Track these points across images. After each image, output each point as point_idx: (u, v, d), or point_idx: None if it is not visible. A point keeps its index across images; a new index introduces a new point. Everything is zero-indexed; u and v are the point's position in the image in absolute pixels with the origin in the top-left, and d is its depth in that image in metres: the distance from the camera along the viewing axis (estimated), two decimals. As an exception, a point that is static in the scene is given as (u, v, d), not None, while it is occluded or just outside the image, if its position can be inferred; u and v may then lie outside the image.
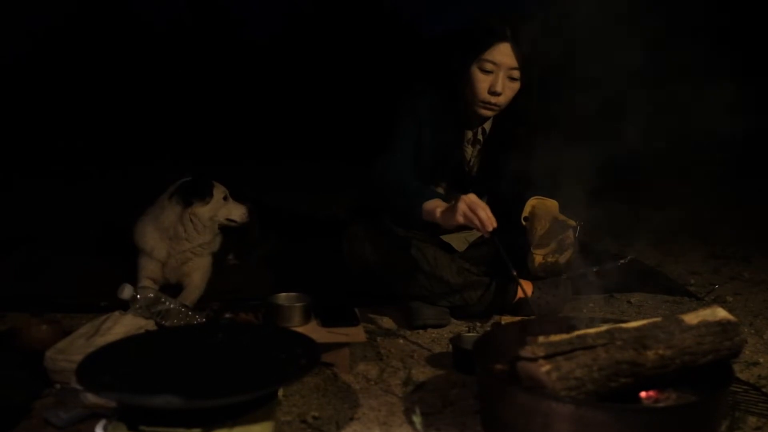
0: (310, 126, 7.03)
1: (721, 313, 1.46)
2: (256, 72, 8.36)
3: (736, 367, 1.80)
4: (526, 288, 2.26)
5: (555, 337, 1.35)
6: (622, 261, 2.76)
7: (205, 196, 2.48)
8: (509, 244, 2.07)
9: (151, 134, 6.57)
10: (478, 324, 2.24)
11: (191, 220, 2.46)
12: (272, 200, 3.54)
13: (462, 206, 1.89)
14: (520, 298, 2.25)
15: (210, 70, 8.15)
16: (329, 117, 7.03)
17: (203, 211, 2.48)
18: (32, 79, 7.33)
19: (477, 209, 1.88)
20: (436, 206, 1.97)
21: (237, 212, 2.57)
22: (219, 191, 2.53)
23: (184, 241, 2.47)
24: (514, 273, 1.96)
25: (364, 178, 2.21)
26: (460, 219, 1.89)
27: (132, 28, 8.64)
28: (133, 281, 2.34)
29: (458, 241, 2.43)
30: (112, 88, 7.55)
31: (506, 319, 2.26)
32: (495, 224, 1.89)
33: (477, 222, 1.89)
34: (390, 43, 8.31)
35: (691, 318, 1.43)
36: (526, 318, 2.18)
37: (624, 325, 1.40)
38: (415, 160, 2.23)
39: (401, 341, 2.10)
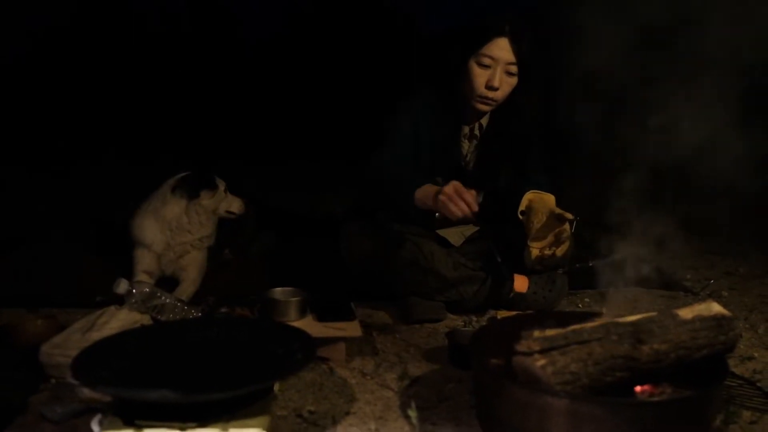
0: (309, 125, 7.01)
1: (716, 308, 1.46)
2: (256, 71, 8.33)
3: (731, 362, 1.81)
4: (522, 283, 2.27)
5: (550, 332, 1.36)
6: (618, 255, 2.77)
7: (213, 186, 2.54)
8: (506, 238, 2.08)
9: (150, 132, 6.54)
10: (474, 319, 2.24)
11: (197, 212, 2.50)
12: (271, 198, 3.53)
13: (440, 195, 1.92)
14: (515, 293, 2.25)
15: (209, 70, 8.12)
16: (329, 116, 7.01)
17: (209, 202, 2.53)
18: (31, 78, 7.30)
19: (454, 197, 1.90)
20: (428, 191, 2.00)
21: (236, 204, 2.64)
22: (221, 184, 2.60)
23: (186, 232, 2.50)
24: (499, 260, 1.96)
25: (360, 175, 2.22)
26: (438, 205, 1.93)
27: (131, 27, 8.60)
28: (129, 276, 2.34)
29: (454, 236, 2.43)
30: (112, 87, 7.52)
31: (502, 314, 2.27)
32: (475, 209, 1.91)
33: (454, 208, 1.90)
34: (389, 40, 8.29)
35: (686, 313, 1.43)
36: (522, 313, 2.19)
37: (619, 320, 1.41)
38: (410, 156, 2.23)
39: (397, 336, 2.10)
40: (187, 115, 7.02)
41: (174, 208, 2.47)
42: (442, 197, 1.92)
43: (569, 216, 2.07)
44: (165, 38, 8.52)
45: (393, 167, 2.15)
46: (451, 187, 1.92)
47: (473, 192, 1.93)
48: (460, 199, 1.90)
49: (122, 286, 1.95)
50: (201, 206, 2.50)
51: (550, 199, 2.16)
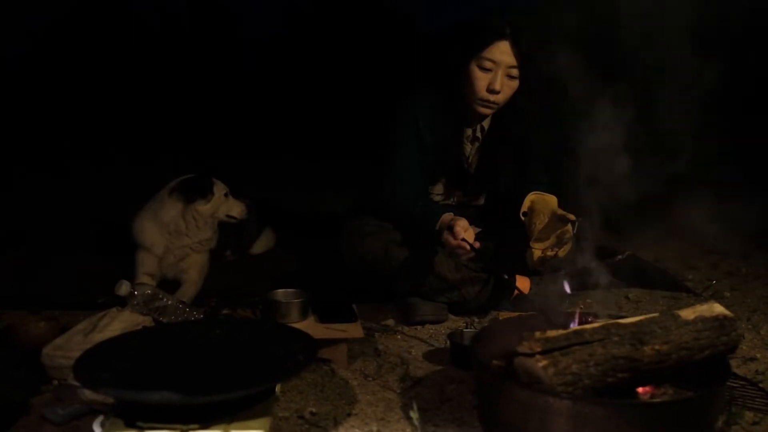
0: (310, 124, 7.02)
1: (718, 309, 1.46)
2: (256, 71, 8.36)
3: (734, 363, 1.80)
4: (524, 284, 2.27)
5: (552, 333, 1.36)
6: (620, 257, 2.77)
7: (206, 194, 2.50)
8: (508, 240, 2.08)
9: (151, 131, 6.56)
10: (476, 320, 2.24)
11: (193, 217, 2.47)
12: (271, 198, 3.53)
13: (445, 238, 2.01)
14: (517, 294, 2.25)
15: (210, 68, 8.14)
16: (329, 115, 7.03)
17: (205, 208, 2.49)
18: (32, 78, 7.32)
19: (454, 237, 1.97)
20: (443, 222, 2.06)
21: (237, 209, 2.60)
22: (220, 188, 2.55)
23: (184, 236, 2.48)
24: (504, 274, 2.00)
25: (379, 204, 2.24)
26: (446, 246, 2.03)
27: (131, 25, 8.62)
28: (131, 277, 2.34)
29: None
30: (112, 87, 7.54)
31: (504, 315, 2.27)
32: (476, 245, 1.98)
33: (457, 252, 1.99)
34: (389, 40, 8.30)
35: (688, 313, 1.43)
36: (524, 314, 2.18)
37: (621, 321, 1.41)
38: (419, 169, 2.23)
39: (399, 337, 2.10)
40: (189, 115, 7.04)
41: (171, 211, 2.45)
42: (446, 245, 2.02)
43: (571, 217, 2.07)
44: (165, 38, 8.53)
45: (405, 202, 2.17)
46: (452, 239, 1.99)
47: (471, 232, 2.01)
48: (458, 246, 1.98)
49: (124, 287, 1.95)
50: (197, 211, 2.47)
51: (552, 200, 2.16)
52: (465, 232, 1.97)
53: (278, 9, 9.29)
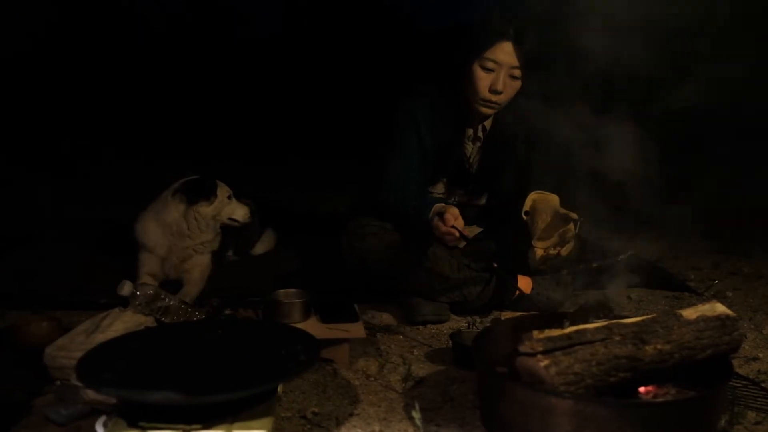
0: (311, 123, 7.03)
1: (720, 308, 1.46)
2: (255, 71, 8.37)
3: (736, 362, 1.80)
4: (526, 284, 2.27)
5: (554, 332, 1.36)
6: (621, 256, 2.77)
7: (209, 196, 2.48)
8: (509, 239, 2.08)
9: (152, 131, 6.57)
10: (478, 320, 2.23)
11: (195, 218, 2.46)
12: (272, 197, 3.53)
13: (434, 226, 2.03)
14: (519, 294, 2.25)
15: (210, 68, 8.16)
16: (331, 114, 7.04)
17: (207, 210, 2.47)
18: (32, 76, 7.33)
19: (444, 231, 2.00)
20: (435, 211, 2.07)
21: (240, 212, 2.57)
22: (223, 191, 2.53)
23: (186, 238, 2.47)
24: (495, 265, 2.00)
25: (377, 201, 2.25)
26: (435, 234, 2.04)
27: (131, 25, 8.64)
28: (133, 278, 2.34)
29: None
30: (111, 86, 7.55)
31: (506, 315, 2.27)
32: (464, 235, 2.01)
33: (445, 239, 2.02)
34: (389, 39, 8.31)
35: (690, 313, 1.43)
36: (526, 314, 2.19)
37: (623, 321, 1.41)
38: (419, 170, 2.23)
39: (401, 337, 2.10)
40: (192, 114, 7.06)
41: (173, 212, 2.44)
42: (436, 232, 2.04)
43: (574, 216, 2.07)
44: (165, 36, 8.55)
45: (407, 193, 2.18)
46: (441, 225, 2.01)
47: (462, 221, 2.02)
48: (447, 233, 2.00)
49: (126, 288, 1.95)
50: (199, 213, 2.46)
51: (554, 199, 2.16)
52: (455, 219, 1.97)
53: (279, 9, 9.30)
